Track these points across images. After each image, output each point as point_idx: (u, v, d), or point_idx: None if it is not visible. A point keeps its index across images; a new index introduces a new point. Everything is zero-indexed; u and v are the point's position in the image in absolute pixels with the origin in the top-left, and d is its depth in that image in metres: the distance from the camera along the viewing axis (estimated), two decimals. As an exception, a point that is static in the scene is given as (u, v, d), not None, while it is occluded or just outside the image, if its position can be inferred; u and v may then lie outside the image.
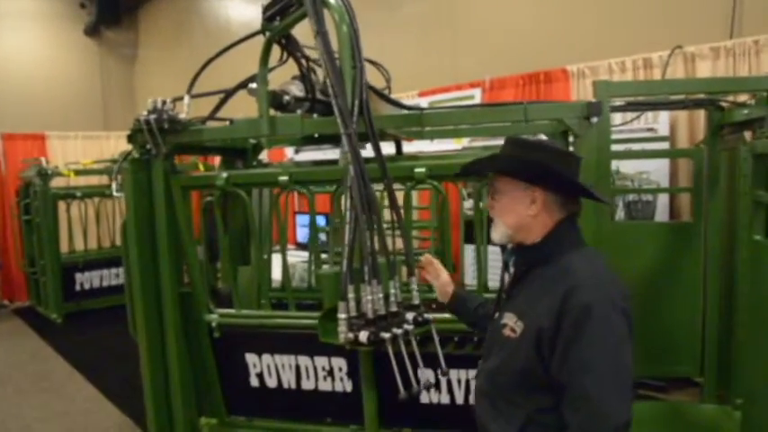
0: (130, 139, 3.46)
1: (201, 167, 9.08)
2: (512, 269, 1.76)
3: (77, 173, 7.69)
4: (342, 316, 2.10)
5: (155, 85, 12.31)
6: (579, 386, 1.39)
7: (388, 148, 4.00)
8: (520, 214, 1.61)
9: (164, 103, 3.30)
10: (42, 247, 7.55)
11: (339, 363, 3.25)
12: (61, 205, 7.89)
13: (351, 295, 2.12)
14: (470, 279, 5.06)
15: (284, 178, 3.10)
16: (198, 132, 3.38)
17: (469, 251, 5.29)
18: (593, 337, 1.38)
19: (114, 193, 3.56)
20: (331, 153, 4.56)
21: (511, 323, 1.58)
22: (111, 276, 8.28)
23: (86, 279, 8.07)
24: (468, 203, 5.77)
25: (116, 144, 9.34)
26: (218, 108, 3.58)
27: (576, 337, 1.39)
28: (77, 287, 7.99)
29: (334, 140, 4.38)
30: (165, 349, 3.58)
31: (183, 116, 3.33)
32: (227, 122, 3.49)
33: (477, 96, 5.29)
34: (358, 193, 2.18)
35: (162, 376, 3.60)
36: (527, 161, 1.59)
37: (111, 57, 12.58)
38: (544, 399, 1.50)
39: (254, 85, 3.26)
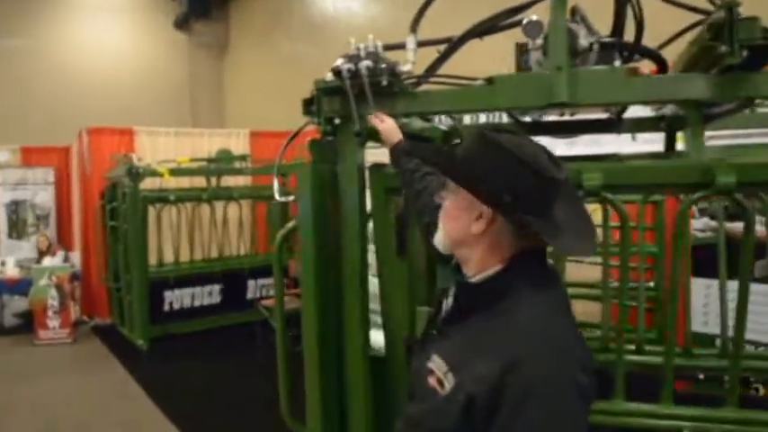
0: (309, 106, 2.14)
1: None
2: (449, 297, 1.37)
3: (173, 172, 6.54)
4: None
5: (246, 79, 11.31)
6: None
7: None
8: (462, 225, 1.29)
9: (376, 46, 1.97)
10: (129, 258, 6.42)
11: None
12: (151, 211, 6.80)
13: None
14: (699, 325, 4.14)
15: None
16: (427, 98, 2.02)
17: (700, 287, 4.26)
18: (535, 427, 1.10)
19: (277, 197, 2.23)
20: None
21: (439, 373, 1.23)
22: (204, 295, 7.10)
23: (176, 298, 6.90)
24: (700, 223, 4.34)
25: (209, 142, 8.23)
26: (440, 62, 2.21)
27: (515, 425, 1.11)
28: (166, 307, 6.83)
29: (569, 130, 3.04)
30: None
31: (407, 68, 1.99)
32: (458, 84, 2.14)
33: None
34: None
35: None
36: (478, 173, 1.23)
37: (200, 50, 11.66)
38: None
39: (534, 18, 1.93)
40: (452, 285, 1.40)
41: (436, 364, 1.26)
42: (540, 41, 1.98)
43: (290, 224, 2.31)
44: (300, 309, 2.21)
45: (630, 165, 2.00)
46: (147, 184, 6.74)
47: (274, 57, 10.40)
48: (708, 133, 3.02)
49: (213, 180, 7.25)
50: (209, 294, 7.13)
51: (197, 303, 7.05)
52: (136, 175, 6.21)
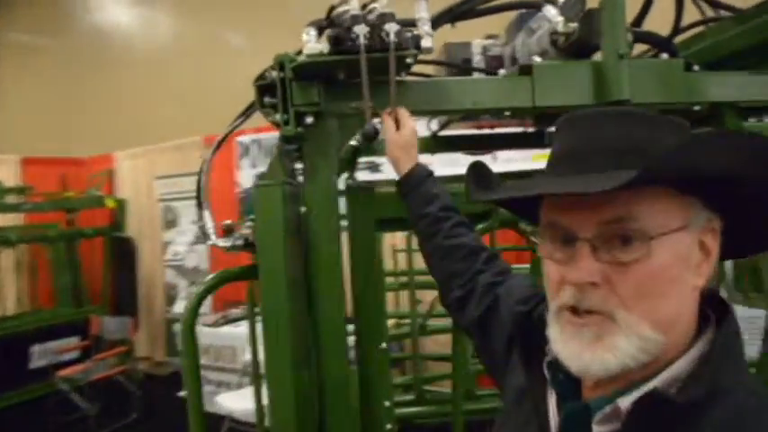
0: (263, 95, 1.41)
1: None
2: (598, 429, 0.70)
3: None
4: None
5: (9, 96, 9.38)
6: None
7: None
8: (683, 290, 0.68)
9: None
10: None
11: None
12: None
13: None
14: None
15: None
16: (445, 90, 1.44)
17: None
18: None
19: (215, 241, 1.44)
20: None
21: None
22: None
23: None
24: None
25: None
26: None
27: None
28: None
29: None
30: None
31: (428, 44, 1.39)
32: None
33: None
34: None
35: None
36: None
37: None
38: None
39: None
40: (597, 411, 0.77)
41: None
42: (573, 25, 1.52)
43: (224, 271, 1.52)
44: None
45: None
46: None
47: (49, 70, 8.76)
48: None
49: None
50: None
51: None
52: None
